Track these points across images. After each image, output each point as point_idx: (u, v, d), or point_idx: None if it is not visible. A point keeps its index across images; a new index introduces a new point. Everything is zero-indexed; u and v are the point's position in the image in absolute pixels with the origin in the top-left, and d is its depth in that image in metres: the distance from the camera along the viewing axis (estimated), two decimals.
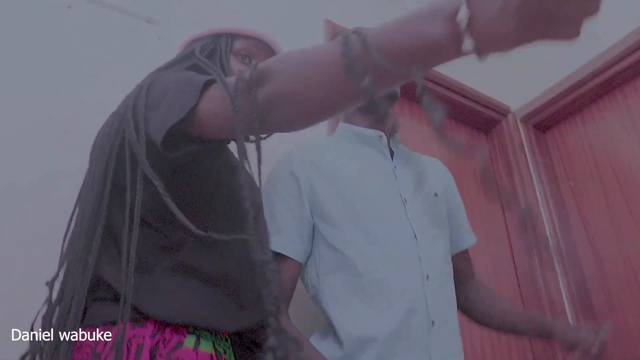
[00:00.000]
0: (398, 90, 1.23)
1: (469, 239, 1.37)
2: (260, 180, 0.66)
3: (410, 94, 2.03)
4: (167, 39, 1.40)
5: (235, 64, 1.02)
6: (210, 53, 1.02)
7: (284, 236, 1.11)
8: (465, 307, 1.35)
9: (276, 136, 0.90)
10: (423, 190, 1.22)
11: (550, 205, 2.21)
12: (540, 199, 2.22)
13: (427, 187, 1.24)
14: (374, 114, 1.23)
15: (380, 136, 1.24)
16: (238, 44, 1.04)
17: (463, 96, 2.20)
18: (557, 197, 2.25)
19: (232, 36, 1.04)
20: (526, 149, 2.31)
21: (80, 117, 1.22)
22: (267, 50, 1.06)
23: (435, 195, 1.25)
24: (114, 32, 1.36)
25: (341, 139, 1.27)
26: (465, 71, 2.16)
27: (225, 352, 0.89)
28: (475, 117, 2.28)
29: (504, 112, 2.34)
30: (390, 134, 1.26)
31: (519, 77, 2.37)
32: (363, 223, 1.10)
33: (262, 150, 0.66)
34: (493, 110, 2.31)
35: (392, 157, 1.24)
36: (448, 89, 2.14)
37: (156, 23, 1.40)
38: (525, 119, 2.36)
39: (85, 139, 0.99)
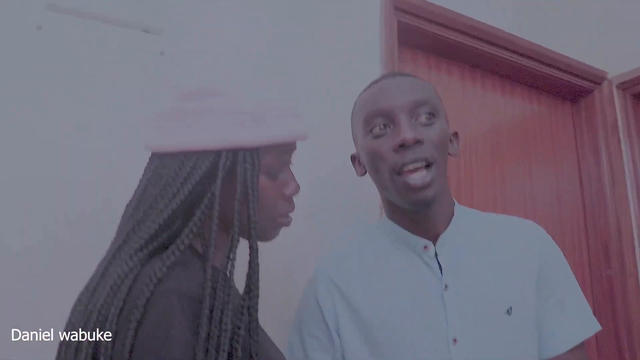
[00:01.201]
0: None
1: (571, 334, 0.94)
2: None
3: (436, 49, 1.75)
4: (169, 52, 1.18)
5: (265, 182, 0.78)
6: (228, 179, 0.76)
7: None
8: None
9: None
10: (485, 311, 0.89)
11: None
12: (630, 186, 1.90)
13: (493, 304, 0.90)
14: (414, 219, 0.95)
15: (426, 246, 0.94)
16: (267, 158, 0.77)
17: (548, 65, 1.86)
18: None
19: (255, 151, 0.75)
20: (620, 124, 1.96)
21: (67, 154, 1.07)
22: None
23: (508, 312, 0.89)
24: (107, 47, 1.15)
25: (380, 238, 1.02)
26: (555, 36, 1.82)
27: None
28: (562, 86, 1.95)
29: (598, 79, 1.98)
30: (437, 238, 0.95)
31: (618, 43, 1.99)
32: None
33: None
34: (584, 78, 1.95)
35: (441, 270, 0.93)
36: (531, 58, 1.82)
37: (158, 33, 1.17)
38: (624, 87, 2.00)
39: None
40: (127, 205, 0.77)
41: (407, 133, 0.86)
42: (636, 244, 1.86)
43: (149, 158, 0.78)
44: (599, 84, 2.00)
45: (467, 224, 0.97)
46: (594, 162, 1.94)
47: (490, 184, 1.72)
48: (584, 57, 1.96)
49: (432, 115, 0.91)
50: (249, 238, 0.73)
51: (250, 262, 0.72)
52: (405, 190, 0.88)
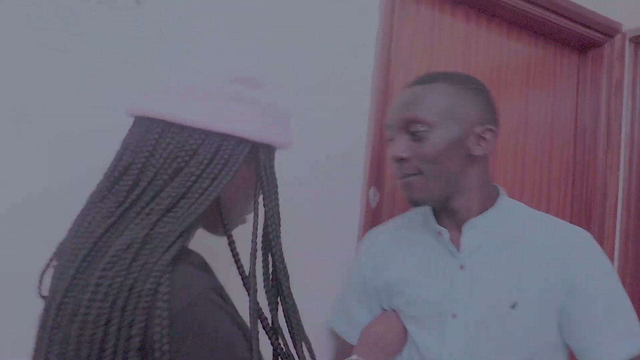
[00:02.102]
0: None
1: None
2: None
3: None
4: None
5: None
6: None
7: (353, 327, 1.17)
8: None
9: None
10: (490, 298, 1.00)
11: (632, 165, 1.85)
12: (624, 152, 1.86)
13: (500, 294, 1.00)
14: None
15: (440, 233, 1.07)
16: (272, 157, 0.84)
17: (558, 13, 1.75)
18: None
19: (271, 149, 0.83)
20: (626, 83, 1.89)
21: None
22: None
23: (513, 307, 0.98)
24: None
25: (418, 218, 1.17)
26: None
27: None
28: (571, 35, 1.85)
29: (611, 31, 1.87)
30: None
31: None
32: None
33: None
34: (596, 30, 1.84)
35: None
36: (541, 6, 1.70)
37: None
38: (638, 41, 1.89)
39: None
40: (119, 163, 0.73)
41: (393, 151, 1.02)
42: (618, 210, 1.85)
43: (149, 123, 0.74)
44: (612, 36, 1.89)
45: (505, 216, 1.05)
46: (592, 120, 1.88)
47: None
48: (597, 7, 1.84)
49: (424, 130, 1.00)
50: (262, 230, 0.80)
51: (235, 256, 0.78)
52: (403, 191, 1.04)
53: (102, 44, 1.04)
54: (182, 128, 0.72)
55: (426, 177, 1.00)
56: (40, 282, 0.77)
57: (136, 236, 0.65)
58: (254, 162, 0.79)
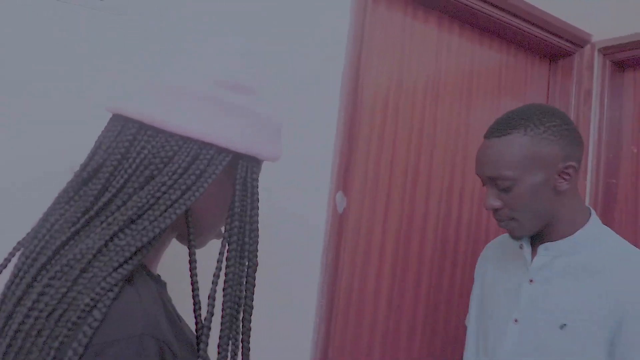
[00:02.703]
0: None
1: None
2: None
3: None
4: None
5: None
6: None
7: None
8: None
9: None
10: (540, 314, 1.11)
11: (600, 171, 1.88)
12: (591, 158, 1.89)
13: (550, 312, 1.10)
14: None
15: (521, 246, 1.20)
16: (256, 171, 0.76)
17: (530, 22, 1.77)
18: (612, 162, 1.91)
19: (255, 161, 0.75)
20: (594, 92, 1.92)
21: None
22: None
23: (561, 327, 1.07)
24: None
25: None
26: None
27: None
28: (542, 44, 1.87)
29: (581, 42, 1.90)
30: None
31: (606, 7, 1.89)
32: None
33: None
34: (567, 39, 1.87)
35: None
36: (514, 15, 1.72)
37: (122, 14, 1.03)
38: (607, 52, 1.92)
39: None
40: (89, 163, 0.69)
41: (486, 203, 1.13)
42: None
43: (123, 123, 0.69)
44: (582, 46, 1.92)
45: (580, 243, 1.11)
46: None
47: (454, 129, 1.69)
48: (568, 17, 1.87)
49: (509, 184, 1.08)
50: (238, 242, 0.71)
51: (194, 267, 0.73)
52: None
53: (88, 44, 1.02)
54: (158, 132, 0.67)
55: (519, 222, 1.11)
56: None
57: (91, 247, 0.61)
58: (234, 174, 0.73)
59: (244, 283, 0.71)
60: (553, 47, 1.88)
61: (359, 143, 1.49)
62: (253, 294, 0.72)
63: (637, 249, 1.08)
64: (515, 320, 1.13)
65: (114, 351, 0.55)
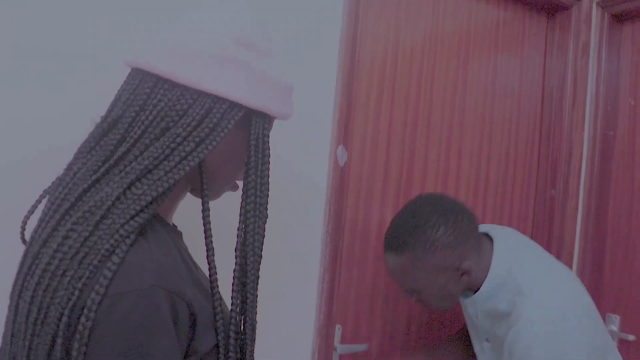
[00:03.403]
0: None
1: None
2: None
3: None
4: None
5: None
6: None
7: None
8: None
9: None
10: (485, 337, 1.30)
11: (597, 124, 1.90)
12: (589, 112, 1.91)
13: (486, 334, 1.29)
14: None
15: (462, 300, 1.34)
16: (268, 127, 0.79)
17: None
18: (609, 115, 1.93)
19: (267, 118, 0.78)
20: (592, 46, 1.93)
21: None
22: None
23: (487, 340, 1.29)
24: None
25: None
26: None
27: None
28: None
29: None
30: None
31: None
32: None
33: None
34: None
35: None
36: None
37: None
38: (605, 4, 1.93)
39: None
40: (109, 115, 0.72)
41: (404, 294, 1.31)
42: (583, 170, 1.91)
43: (141, 77, 0.72)
44: (579, 0, 1.92)
45: (489, 292, 1.22)
46: (559, 81, 1.92)
47: (451, 85, 1.71)
48: None
49: (416, 290, 1.24)
50: (255, 195, 0.75)
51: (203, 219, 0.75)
52: None
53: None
54: (174, 85, 0.70)
55: (438, 307, 1.28)
56: (23, 227, 0.77)
57: (110, 194, 0.65)
58: (247, 130, 0.77)
59: (256, 234, 0.75)
60: (550, 1, 1.89)
61: (359, 98, 1.52)
62: (262, 244, 0.76)
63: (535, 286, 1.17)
64: (487, 340, 1.28)
65: (126, 302, 0.60)
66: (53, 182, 0.73)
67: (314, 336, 1.39)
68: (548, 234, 1.91)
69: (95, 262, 0.61)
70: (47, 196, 0.72)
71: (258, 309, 1.08)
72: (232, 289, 0.74)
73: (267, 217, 0.77)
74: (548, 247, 1.91)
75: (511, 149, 1.87)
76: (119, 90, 0.75)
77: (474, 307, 1.26)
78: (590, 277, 1.93)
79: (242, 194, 0.75)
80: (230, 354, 0.71)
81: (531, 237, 1.95)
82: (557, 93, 1.92)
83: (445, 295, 1.24)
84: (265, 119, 0.77)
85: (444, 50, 1.71)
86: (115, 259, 0.61)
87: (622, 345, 1.88)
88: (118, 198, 0.65)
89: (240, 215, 0.75)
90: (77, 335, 0.59)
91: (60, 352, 0.59)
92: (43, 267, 0.63)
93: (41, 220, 0.69)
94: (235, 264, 0.75)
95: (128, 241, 0.63)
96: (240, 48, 0.73)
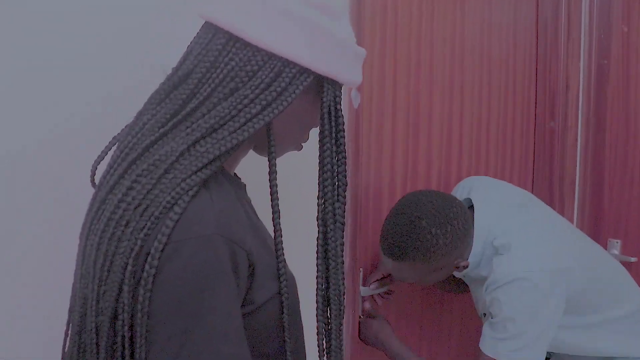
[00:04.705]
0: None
1: None
2: None
3: None
4: None
5: None
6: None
7: None
8: None
9: None
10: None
11: (592, 52, 1.92)
12: (583, 41, 1.92)
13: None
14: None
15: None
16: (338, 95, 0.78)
17: None
18: (603, 43, 1.94)
19: (337, 84, 0.77)
20: None
21: None
22: None
23: (484, 315, 1.35)
24: None
25: None
26: None
27: None
28: None
29: None
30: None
31: None
32: None
33: None
34: None
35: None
36: None
37: None
38: None
39: None
40: (180, 67, 0.72)
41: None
42: (580, 100, 1.94)
43: (214, 32, 0.71)
44: None
45: (475, 265, 1.34)
46: (552, 13, 1.92)
47: (450, 23, 1.70)
48: None
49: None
50: (331, 163, 0.75)
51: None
52: None
53: None
54: (246, 45, 0.69)
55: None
56: (94, 172, 0.78)
57: (175, 149, 0.66)
58: (317, 96, 0.77)
59: (336, 201, 0.76)
60: None
61: (366, 43, 1.49)
62: (344, 211, 0.77)
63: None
64: (484, 314, 1.34)
65: (187, 249, 0.62)
66: (122, 130, 0.75)
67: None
68: (550, 166, 1.94)
69: (156, 213, 0.63)
70: (117, 143, 0.73)
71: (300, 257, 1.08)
72: (317, 256, 0.76)
73: (346, 185, 0.77)
74: (550, 179, 1.94)
75: (509, 83, 1.88)
76: (191, 43, 0.74)
77: (467, 280, 1.41)
78: (591, 205, 1.98)
79: (319, 163, 0.76)
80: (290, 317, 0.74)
81: (533, 171, 1.98)
82: (552, 24, 1.92)
83: (440, 281, 1.43)
84: (335, 86, 0.76)
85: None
86: (177, 209, 0.63)
87: (625, 267, 1.95)
88: (182, 154, 0.66)
89: (318, 184, 0.76)
90: (142, 282, 0.61)
91: (127, 298, 0.62)
92: (108, 215, 0.65)
93: (110, 166, 0.70)
94: (318, 232, 0.76)
95: (191, 193, 0.64)
96: (316, 11, 0.72)
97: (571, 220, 1.98)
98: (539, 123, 1.96)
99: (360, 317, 1.47)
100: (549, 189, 1.95)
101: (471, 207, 1.39)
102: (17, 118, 0.94)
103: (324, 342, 0.76)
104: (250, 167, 1.06)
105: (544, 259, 1.26)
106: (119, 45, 1.01)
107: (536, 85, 1.96)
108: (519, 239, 1.28)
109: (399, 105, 1.58)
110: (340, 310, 0.76)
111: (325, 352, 0.76)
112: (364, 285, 1.50)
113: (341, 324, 0.76)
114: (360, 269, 1.49)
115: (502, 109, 1.86)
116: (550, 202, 1.94)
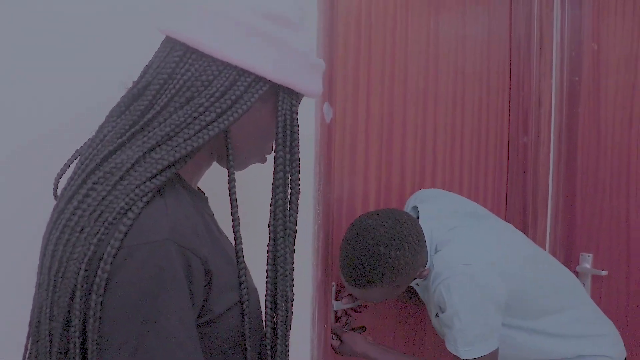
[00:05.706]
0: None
1: None
2: None
3: None
4: None
5: None
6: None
7: None
8: None
9: None
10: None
11: (564, 69, 1.95)
12: (555, 59, 1.96)
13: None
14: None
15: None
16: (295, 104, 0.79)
17: None
18: (574, 60, 1.98)
19: (294, 94, 0.78)
20: None
21: None
22: None
23: (436, 315, 1.37)
24: None
25: None
26: None
27: None
28: None
29: None
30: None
31: None
32: None
33: None
34: None
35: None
36: None
37: None
38: None
39: None
40: (140, 80, 0.73)
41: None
42: (552, 115, 1.97)
43: (172, 45, 0.73)
44: None
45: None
46: (525, 29, 1.95)
47: (424, 37, 1.71)
48: None
49: None
50: (284, 171, 0.76)
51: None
52: None
53: None
54: (202, 56, 0.71)
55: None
56: (56, 185, 0.79)
57: (131, 157, 0.67)
58: (274, 105, 0.77)
59: (288, 209, 0.77)
60: None
61: (339, 57, 1.50)
62: (296, 219, 0.78)
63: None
64: (437, 315, 1.36)
65: (140, 254, 0.62)
66: (85, 143, 0.75)
67: (312, 293, 1.39)
68: (523, 181, 1.96)
69: (110, 219, 0.63)
70: (79, 156, 0.74)
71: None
72: (267, 262, 0.78)
73: (299, 193, 0.78)
74: (523, 193, 1.97)
75: (483, 98, 1.90)
76: (152, 57, 0.76)
77: (419, 288, 1.47)
78: (563, 219, 2.01)
79: (273, 170, 0.77)
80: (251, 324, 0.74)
81: (507, 185, 2.00)
82: (525, 42, 1.95)
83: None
84: (292, 95, 0.77)
85: (415, 5, 1.70)
86: (130, 215, 0.63)
87: (596, 280, 1.98)
88: (137, 161, 0.67)
89: (271, 192, 0.77)
90: (95, 287, 0.61)
91: (80, 303, 0.62)
92: (64, 222, 0.66)
93: (71, 178, 0.71)
94: (269, 239, 0.77)
95: (145, 199, 0.65)
96: (270, 22, 0.73)
97: (544, 234, 2.00)
98: (512, 137, 1.99)
99: (332, 337, 1.47)
100: (522, 202, 1.97)
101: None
102: (17, 118, 0.94)
103: (269, 347, 0.78)
104: (216, 181, 1.06)
105: (481, 253, 1.31)
106: (119, 46, 1.02)
107: (509, 100, 1.99)
108: (458, 236, 1.34)
109: (373, 118, 1.59)
110: (287, 316, 0.77)
111: (270, 357, 0.77)
112: (336, 299, 1.49)
113: (288, 330, 0.77)
114: (333, 283, 1.48)
115: (476, 123, 1.88)
116: (523, 216, 1.96)
